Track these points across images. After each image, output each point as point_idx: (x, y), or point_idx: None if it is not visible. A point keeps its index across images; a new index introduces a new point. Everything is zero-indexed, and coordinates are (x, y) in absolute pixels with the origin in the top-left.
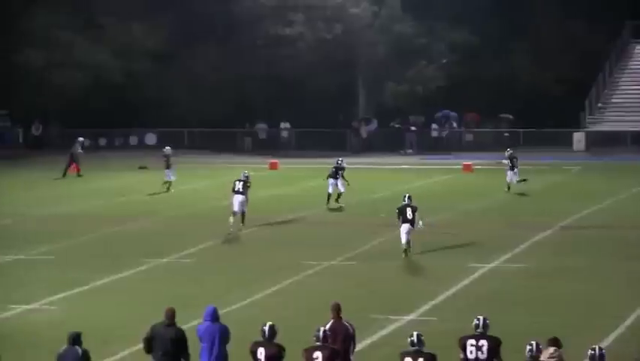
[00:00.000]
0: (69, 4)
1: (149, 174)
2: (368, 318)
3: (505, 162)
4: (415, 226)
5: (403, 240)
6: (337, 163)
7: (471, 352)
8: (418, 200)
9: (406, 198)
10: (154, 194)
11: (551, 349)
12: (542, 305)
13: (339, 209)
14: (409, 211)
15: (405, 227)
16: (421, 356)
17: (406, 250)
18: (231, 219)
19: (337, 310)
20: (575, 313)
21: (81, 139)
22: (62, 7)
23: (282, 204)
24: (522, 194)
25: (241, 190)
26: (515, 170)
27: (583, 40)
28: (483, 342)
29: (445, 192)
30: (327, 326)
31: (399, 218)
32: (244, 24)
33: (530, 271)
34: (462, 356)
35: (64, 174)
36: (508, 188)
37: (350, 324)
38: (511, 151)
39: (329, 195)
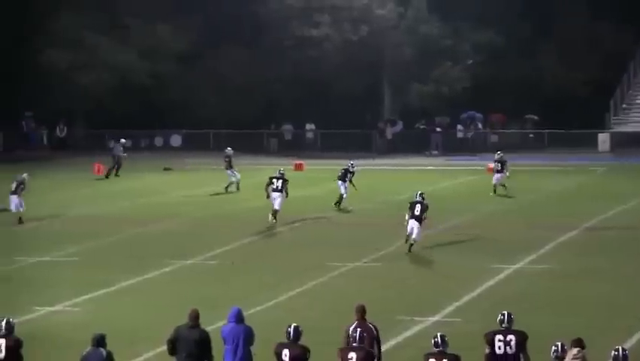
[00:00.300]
0: (95, 5)
1: (174, 176)
2: (393, 319)
3: (493, 165)
4: (421, 223)
5: (409, 232)
6: (348, 166)
7: (499, 347)
8: (443, 201)
9: (418, 195)
10: (216, 194)
11: (575, 350)
12: (567, 306)
13: (349, 211)
14: (417, 208)
15: (412, 222)
16: (445, 358)
17: (411, 245)
18: (271, 216)
19: (362, 311)
20: (600, 314)
21: (123, 140)
22: (88, 8)
23: (307, 205)
24: (548, 195)
25: (280, 188)
26: (504, 173)
27: (609, 41)
28: (511, 337)
29: (469, 193)
30: (352, 328)
31: (408, 213)
32: (270, 25)
33: (555, 273)
34: (488, 350)
35: (107, 175)
36: (494, 191)
37: (374, 326)
38: (501, 154)
39: (341, 196)
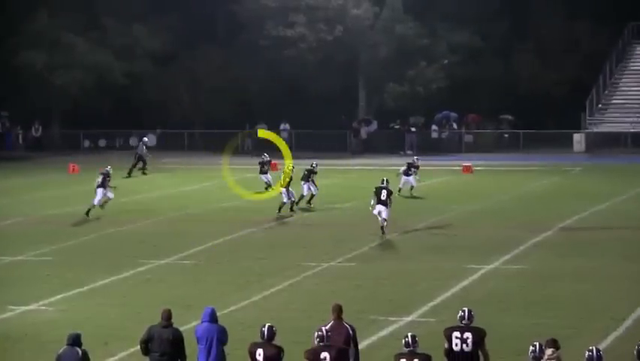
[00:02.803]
0: (71, 5)
1: (148, 176)
2: (367, 319)
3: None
4: (388, 207)
5: (379, 217)
6: (311, 166)
7: (456, 344)
8: (418, 201)
9: (384, 182)
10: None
11: (549, 350)
12: (542, 307)
13: (323, 209)
14: (384, 193)
15: (378, 207)
16: (416, 357)
17: (382, 226)
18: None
19: (338, 311)
20: (575, 314)
21: (145, 139)
22: (64, 9)
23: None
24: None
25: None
26: (411, 177)
27: (585, 42)
28: (468, 334)
29: (444, 194)
30: (327, 327)
31: (374, 198)
32: (246, 25)
33: (530, 273)
34: (447, 345)
35: (130, 174)
36: (399, 191)
37: (350, 326)
38: (416, 158)
39: (302, 196)
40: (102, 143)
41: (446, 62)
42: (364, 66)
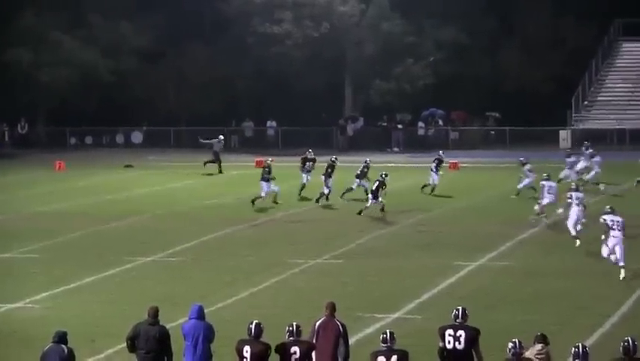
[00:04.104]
0: (57, 3)
1: (135, 173)
2: (353, 316)
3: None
4: (376, 199)
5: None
6: (331, 161)
7: (449, 342)
8: (404, 198)
9: (383, 175)
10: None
11: (539, 346)
12: (528, 303)
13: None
14: (375, 185)
15: (369, 197)
16: (394, 354)
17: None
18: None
19: (331, 308)
20: (561, 311)
21: (221, 137)
22: (51, 7)
23: (269, 203)
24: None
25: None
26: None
27: (571, 39)
28: (461, 332)
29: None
30: (319, 323)
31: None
32: (232, 22)
33: (516, 269)
34: (441, 344)
35: (220, 170)
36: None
37: (341, 323)
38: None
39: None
40: (88, 140)
41: (432, 59)
42: (351, 63)
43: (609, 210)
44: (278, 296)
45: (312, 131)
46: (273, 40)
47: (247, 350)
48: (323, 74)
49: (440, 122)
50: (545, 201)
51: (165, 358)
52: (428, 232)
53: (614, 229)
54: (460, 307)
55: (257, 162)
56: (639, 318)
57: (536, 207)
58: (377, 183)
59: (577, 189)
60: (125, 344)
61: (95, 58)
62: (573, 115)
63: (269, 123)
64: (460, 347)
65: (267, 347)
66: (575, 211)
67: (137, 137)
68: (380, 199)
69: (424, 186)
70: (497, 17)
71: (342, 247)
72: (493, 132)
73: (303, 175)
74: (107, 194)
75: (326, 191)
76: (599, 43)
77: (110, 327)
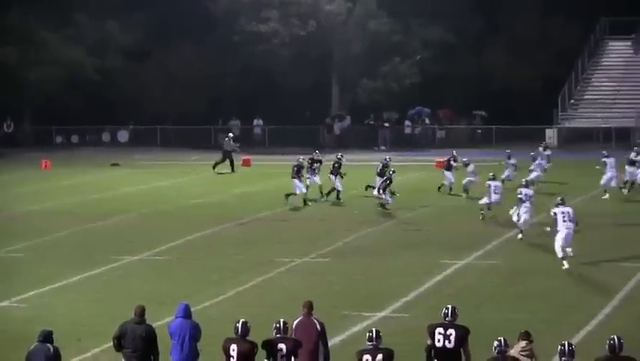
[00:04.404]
0: (43, 1)
1: (121, 171)
2: (340, 315)
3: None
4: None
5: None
6: (337, 158)
7: (439, 340)
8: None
9: (391, 172)
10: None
11: (523, 343)
12: (514, 302)
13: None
14: (385, 182)
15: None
16: (380, 353)
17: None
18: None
19: (309, 307)
20: (547, 309)
21: (231, 135)
22: (36, 5)
23: (255, 201)
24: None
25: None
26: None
27: (557, 38)
28: (451, 331)
29: (417, 189)
30: (296, 322)
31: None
32: (219, 21)
33: (502, 268)
34: (429, 342)
35: (233, 169)
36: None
37: (319, 322)
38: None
39: (337, 190)
40: (75, 139)
41: (419, 57)
42: (338, 62)
43: (560, 201)
44: (265, 295)
45: (299, 129)
46: (260, 39)
47: (234, 349)
48: (310, 72)
49: (427, 121)
50: (488, 200)
51: (152, 357)
52: (414, 230)
53: (565, 221)
54: (449, 306)
55: (244, 160)
56: (624, 316)
57: (481, 201)
58: (386, 180)
59: (526, 186)
60: (111, 343)
61: (81, 56)
62: (559, 114)
63: (256, 122)
64: (449, 345)
65: (254, 345)
66: (524, 210)
67: (123, 135)
68: (386, 196)
69: (440, 186)
70: (484, 16)
71: (329, 246)
72: (479, 131)
73: (314, 178)
74: (93, 193)
75: (340, 188)
76: (585, 42)
77: (96, 326)
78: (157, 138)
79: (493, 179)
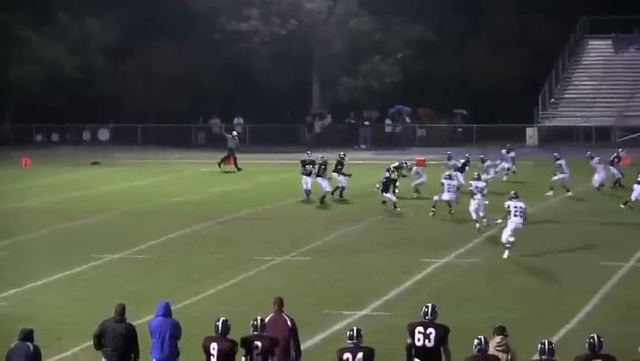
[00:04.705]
0: None
1: (102, 170)
2: (321, 313)
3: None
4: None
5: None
6: (340, 157)
7: (419, 339)
8: (371, 195)
9: (391, 169)
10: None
11: (498, 338)
12: (494, 300)
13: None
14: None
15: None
16: (361, 351)
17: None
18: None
19: (280, 303)
20: (527, 308)
21: (235, 132)
22: (17, 3)
23: (236, 200)
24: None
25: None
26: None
27: (538, 37)
28: (431, 330)
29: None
30: (267, 319)
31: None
32: (200, 19)
33: (482, 266)
34: (409, 340)
35: (238, 168)
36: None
37: (290, 318)
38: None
39: (342, 188)
40: (55, 137)
41: (400, 56)
42: (318, 60)
43: (514, 195)
44: (245, 294)
45: (280, 128)
46: (241, 38)
47: (214, 348)
48: (290, 71)
49: (407, 120)
50: (445, 197)
51: (132, 355)
52: (395, 229)
53: (516, 216)
54: (429, 305)
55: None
56: (604, 315)
57: (435, 197)
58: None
59: (478, 179)
60: (90, 342)
61: (61, 54)
62: (540, 112)
63: (236, 120)
64: (429, 344)
65: (234, 344)
66: (477, 201)
67: (103, 134)
68: (388, 194)
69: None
70: (465, 15)
71: (310, 245)
72: (460, 130)
73: (316, 179)
74: (74, 191)
75: (345, 184)
76: (566, 41)
77: (76, 325)
78: (138, 136)
79: (448, 178)
